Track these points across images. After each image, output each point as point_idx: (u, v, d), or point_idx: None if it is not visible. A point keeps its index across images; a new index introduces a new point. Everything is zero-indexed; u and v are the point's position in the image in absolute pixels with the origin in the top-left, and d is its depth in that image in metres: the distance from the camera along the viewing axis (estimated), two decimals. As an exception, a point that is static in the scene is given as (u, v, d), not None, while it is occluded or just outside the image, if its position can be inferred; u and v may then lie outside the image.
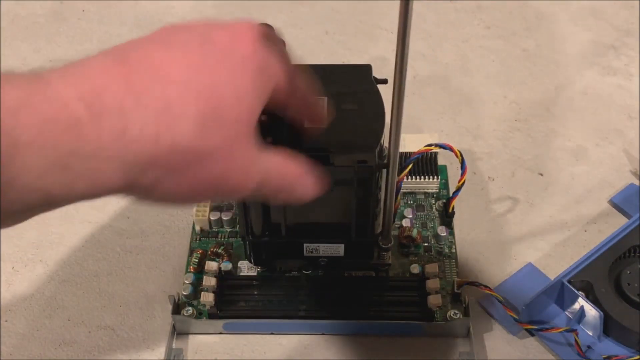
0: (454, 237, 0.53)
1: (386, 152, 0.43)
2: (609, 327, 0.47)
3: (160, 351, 0.48)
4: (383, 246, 0.48)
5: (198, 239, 0.53)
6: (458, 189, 0.51)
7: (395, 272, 0.51)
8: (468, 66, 0.67)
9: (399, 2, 0.33)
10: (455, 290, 0.48)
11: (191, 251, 0.52)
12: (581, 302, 0.47)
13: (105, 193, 0.28)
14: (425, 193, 0.55)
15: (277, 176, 0.34)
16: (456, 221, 0.54)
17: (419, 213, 0.54)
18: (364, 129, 0.43)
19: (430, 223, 0.53)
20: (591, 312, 0.47)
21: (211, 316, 0.48)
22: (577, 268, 0.48)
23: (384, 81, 0.44)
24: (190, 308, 0.48)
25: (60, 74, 0.26)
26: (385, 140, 0.42)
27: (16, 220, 0.27)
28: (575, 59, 0.67)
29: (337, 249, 0.48)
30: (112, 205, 0.56)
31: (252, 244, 0.49)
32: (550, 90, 0.64)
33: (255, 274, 0.51)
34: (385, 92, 0.42)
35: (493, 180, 0.58)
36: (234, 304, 0.48)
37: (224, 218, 0.53)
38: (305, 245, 0.48)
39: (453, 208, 0.53)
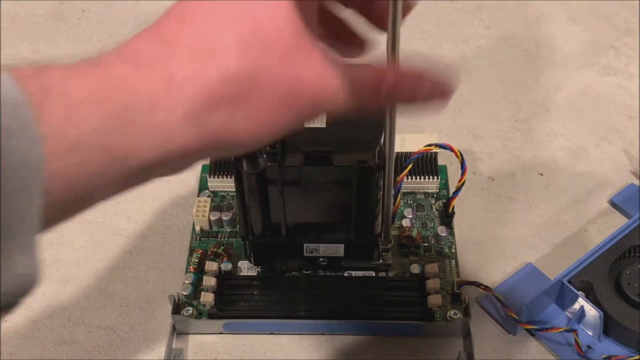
0: (454, 237, 0.53)
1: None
2: (609, 327, 0.47)
3: (160, 351, 0.48)
4: (383, 246, 0.48)
5: (198, 239, 0.53)
6: (458, 189, 0.51)
7: (395, 272, 0.51)
8: (468, 66, 0.67)
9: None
10: (455, 290, 0.48)
11: (191, 251, 0.52)
12: (581, 302, 0.47)
13: (182, 151, 0.27)
14: (425, 193, 0.55)
15: (368, 70, 0.31)
16: (456, 221, 0.53)
17: (419, 213, 0.54)
18: (364, 129, 0.43)
19: (430, 223, 0.53)
20: (591, 312, 0.47)
21: (211, 316, 0.48)
22: (577, 268, 0.48)
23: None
24: (190, 308, 0.48)
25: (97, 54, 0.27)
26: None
27: (117, 187, 0.27)
28: (575, 59, 0.67)
29: (337, 249, 0.48)
30: (112, 205, 0.56)
31: (252, 244, 0.49)
32: (550, 90, 0.64)
33: (255, 274, 0.51)
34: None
35: (493, 180, 0.58)
36: (234, 304, 0.48)
37: (224, 218, 0.52)
38: (305, 245, 0.48)
39: (453, 208, 0.53)
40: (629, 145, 0.60)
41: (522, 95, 0.64)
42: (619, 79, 0.65)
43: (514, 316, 0.47)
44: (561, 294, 0.48)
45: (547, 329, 0.47)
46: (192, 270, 0.50)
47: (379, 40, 0.35)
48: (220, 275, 0.49)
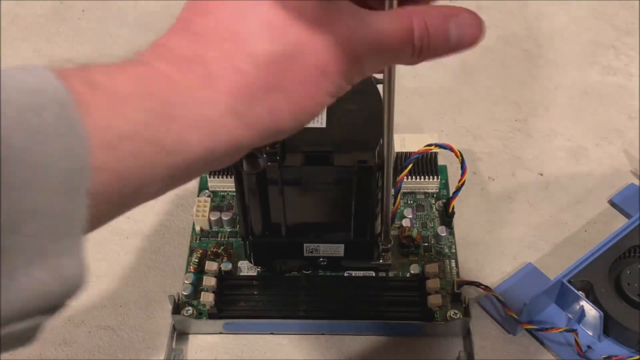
0: (454, 237, 0.53)
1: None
2: (609, 327, 0.47)
3: (160, 351, 0.48)
4: (383, 246, 0.48)
5: (198, 239, 0.53)
6: (458, 189, 0.51)
7: (395, 272, 0.51)
8: (468, 66, 0.67)
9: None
10: (455, 290, 0.48)
11: (191, 251, 0.52)
12: (581, 302, 0.47)
13: (229, 145, 0.27)
14: (425, 193, 0.55)
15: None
16: (456, 221, 0.54)
17: (419, 213, 0.54)
18: (363, 129, 0.43)
19: (430, 223, 0.53)
20: (591, 312, 0.47)
21: (211, 316, 0.48)
22: (577, 268, 0.48)
23: (384, 81, 0.44)
24: (190, 308, 0.48)
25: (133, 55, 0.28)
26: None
27: (165, 183, 0.27)
28: (575, 59, 0.67)
29: (337, 249, 0.48)
30: (112, 205, 0.56)
31: (252, 244, 0.49)
32: (550, 90, 0.64)
33: (255, 274, 0.51)
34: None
35: (493, 180, 0.58)
36: (234, 304, 0.48)
37: (224, 218, 0.53)
38: (305, 245, 0.48)
39: (453, 208, 0.53)
40: (629, 145, 0.60)
41: (522, 95, 0.64)
42: (619, 79, 0.65)
43: (514, 316, 0.47)
44: (561, 294, 0.48)
45: (547, 329, 0.47)
46: (192, 270, 0.50)
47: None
48: (220, 275, 0.49)
